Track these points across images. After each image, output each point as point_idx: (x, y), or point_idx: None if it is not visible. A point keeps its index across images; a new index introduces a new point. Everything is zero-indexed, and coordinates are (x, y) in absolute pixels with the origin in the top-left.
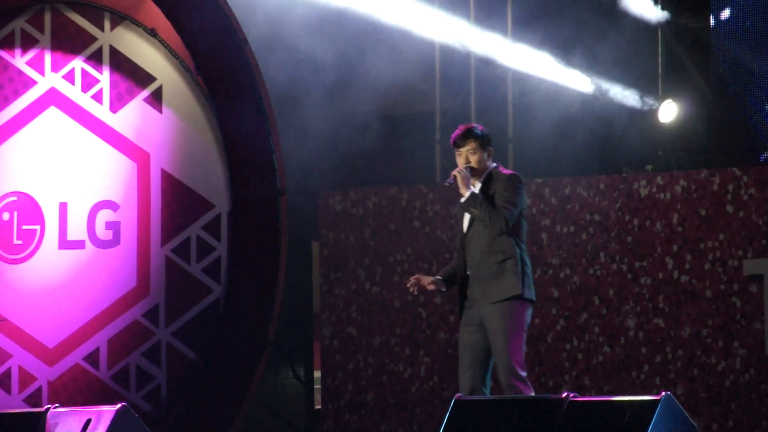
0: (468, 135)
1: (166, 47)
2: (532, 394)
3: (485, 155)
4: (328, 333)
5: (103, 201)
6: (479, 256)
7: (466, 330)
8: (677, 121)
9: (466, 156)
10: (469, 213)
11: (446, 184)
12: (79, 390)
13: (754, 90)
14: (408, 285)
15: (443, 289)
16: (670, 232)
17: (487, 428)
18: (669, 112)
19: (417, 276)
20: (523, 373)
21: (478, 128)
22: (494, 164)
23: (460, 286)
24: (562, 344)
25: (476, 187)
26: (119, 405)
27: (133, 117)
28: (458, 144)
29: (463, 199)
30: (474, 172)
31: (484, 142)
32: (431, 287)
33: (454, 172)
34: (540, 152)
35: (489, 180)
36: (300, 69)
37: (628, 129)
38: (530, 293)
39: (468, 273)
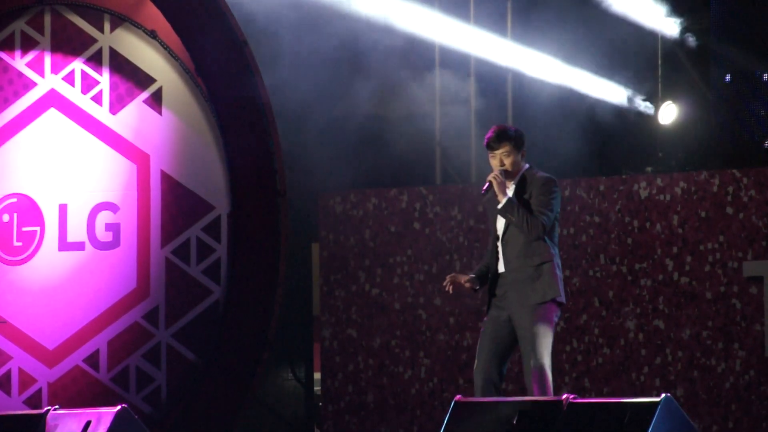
0: (502, 137)
1: (165, 49)
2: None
3: (519, 157)
4: (328, 334)
5: (102, 202)
6: (516, 259)
7: (491, 324)
8: (677, 123)
9: (500, 159)
10: (506, 219)
11: (484, 190)
12: (79, 392)
13: (753, 92)
14: (444, 284)
15: (477, 288)
16: (670, 234)
17: (486, 430)
18: (669, 113)
19: (453, 275)
20: (549, 374)
21: (512, 129)
22: (527, 165)
23: (491, 285)
24: (561, 346)
25: (510, 190)
26: (119, 407)
27: (132, 118)
28: (492, 146)
29: (500, 206)
30: (508, 175)
31: (518, 143)
32: (468, 285)
33: (490, 178)
34: (540, 154)
35: (523, 182)
36: (300, 71)
37: (628, 131)
38: (563, 296)
39: (500, 273)
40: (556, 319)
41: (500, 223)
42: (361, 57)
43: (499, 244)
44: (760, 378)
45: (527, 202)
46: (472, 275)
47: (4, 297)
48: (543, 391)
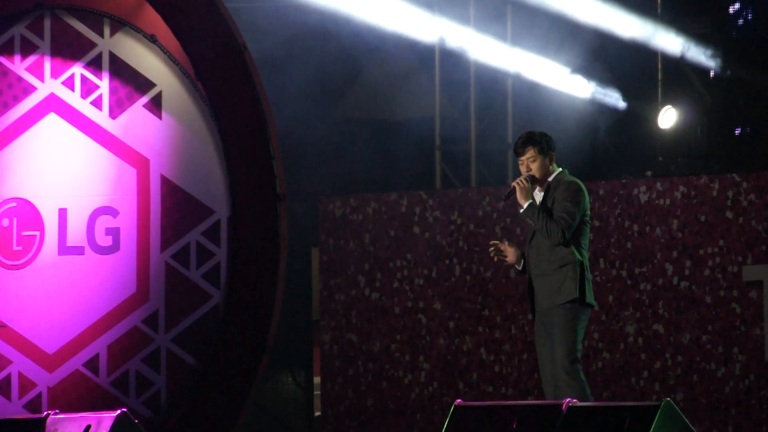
0: (527, 142)
1: (165, 53)
2: (587, 392)
3: (546, 161)
4: (327, 339)
5: (102, 207)
6: (541, 263)
7: (537, 334)
8: (677, 127)
9: (526, 164)
10: (528, 224)
11: (505, 195)
12: (78, 396)
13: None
14: (490, 248)
15: (518, 267)
16: (669, 238)
17: None
18: (668, 118)
19: (499, 243)
20: (577, 370)
21: (538, 134)
22: (560, 169)
23: (529, 293)
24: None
25: (539, 195)
26: (119, 411)
27: (132, 123)
28: (518, 152)
29: (521, 211)
30: (535, 180)
31: (543, 148)
32: (511, 259)
33: (514, 183)
34: None
35: (551, 186)
36: (300, 75)
37: (627, 135)
38: (590, 297)
39: (533, 280)
40: (581, 318)
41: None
42: (361, 62)
43: (529, 249)
44: (760, 382)
45: (552, 206)
46: (521, 252)
47: (3, 301)
48: (570, 391)
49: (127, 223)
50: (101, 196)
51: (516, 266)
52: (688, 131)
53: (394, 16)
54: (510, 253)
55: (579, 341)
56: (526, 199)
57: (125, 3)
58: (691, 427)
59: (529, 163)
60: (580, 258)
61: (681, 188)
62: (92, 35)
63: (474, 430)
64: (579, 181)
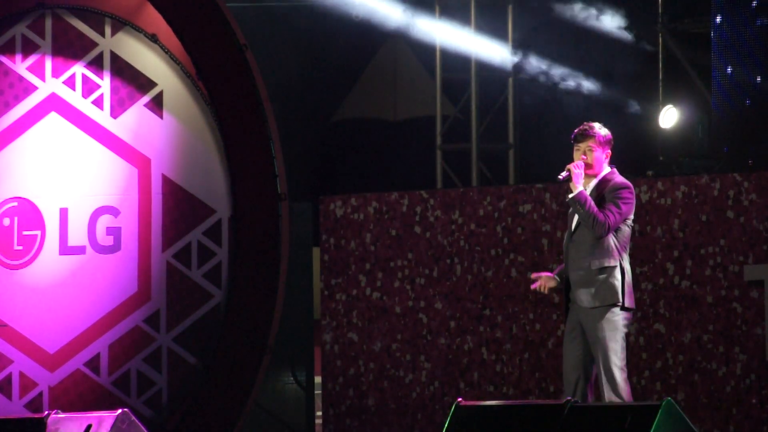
0: (588, 132)
1: (167, 53)
2: (631, 398)
3: (602, 157)
4: (328, 338)
5: (103, 206)
6: (581, 260)
7: (567, 336)
8: (678, 127)
9: (583, 151)
10: (574, 209)
11: (559, 177)
12: (79, 395)
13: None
14: (535, 276)
15: (560, 284)
16: (670, 238)
17: None
18: (669, 117)
19: (539, 277)
20: (623, 378)
21: (601, 129)
22: (609, 169)
23: (565, 290)
24: (562, 350)
25: (588, 188)
26: (120, 410)
27: (133, 122)
28: (577, 139)
29: (571, 195)
30: (588, 173)
31: (602, 142)
32: (551, 285)
33: (570, 166)
34: (541, 158)
35: (601, 185)
36: (302, 75)
37: (628, 134)
38: (630, 301)
39: (569, 275)
40: (624, 322)
41: (574, 222)
42: (363, 62)
43: (570, 243)
44: (761, 382)
45: (599, 202)
46: (557, 278)
47: (5, 301)
48: (619, 395)
49: (128, 222)
50: (102, 195)
51: (560, 288)
52: (689, 131)
53: (396, 17)
54: (551, 281)
55: (625, 348)
56: (579, 186)
57: (126, 3)
58: (693, 426)
59: (586, 151)
60: (622, 261)
61: (682, 188)
62: (93, 35)
63: (475, 430)
64: (630, 184)
